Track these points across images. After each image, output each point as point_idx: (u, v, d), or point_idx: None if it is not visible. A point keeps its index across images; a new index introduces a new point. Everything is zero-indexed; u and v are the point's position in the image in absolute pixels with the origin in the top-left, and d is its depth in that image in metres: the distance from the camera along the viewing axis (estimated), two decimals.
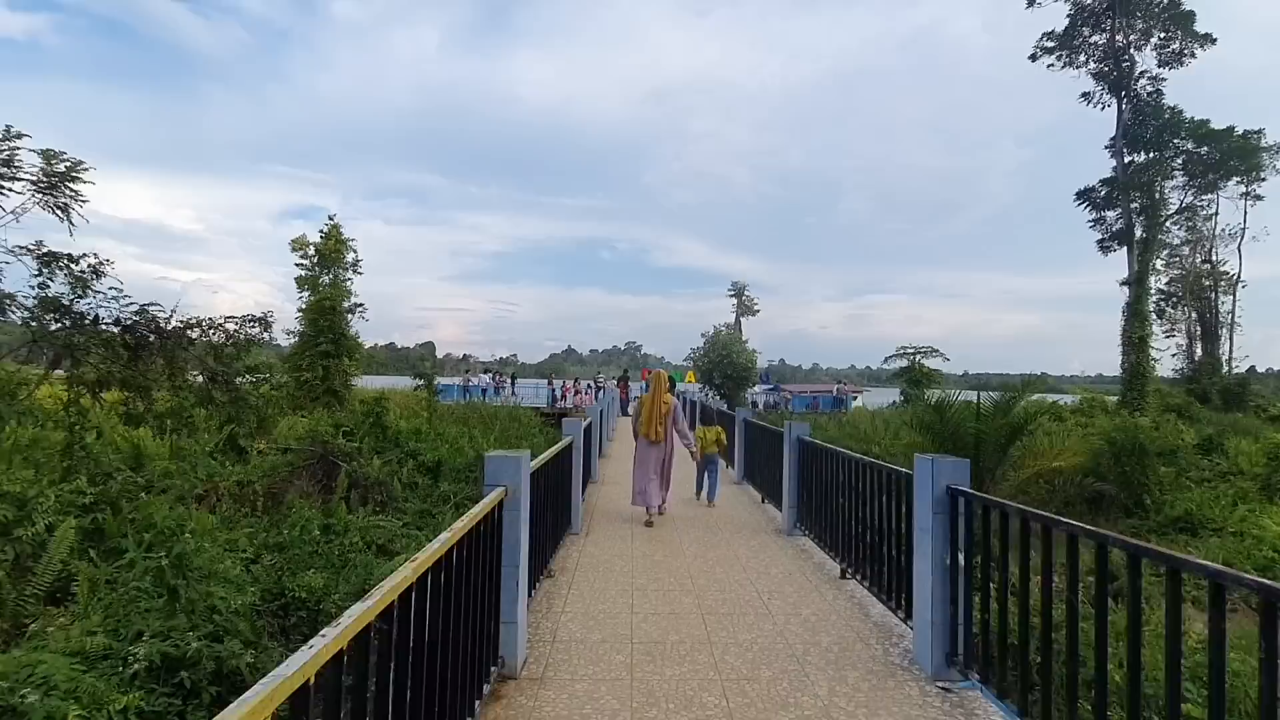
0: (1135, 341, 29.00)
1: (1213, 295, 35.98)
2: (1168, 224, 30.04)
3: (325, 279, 22.52)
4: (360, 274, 23.04)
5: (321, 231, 22.43)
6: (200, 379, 12.13)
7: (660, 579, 5.42)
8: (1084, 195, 32.10)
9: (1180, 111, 28.83)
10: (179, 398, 12.15)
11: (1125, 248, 32.18)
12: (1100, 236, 32.12)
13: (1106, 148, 31.04)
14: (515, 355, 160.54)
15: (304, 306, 22.00)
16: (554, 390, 31.91)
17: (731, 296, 46.72)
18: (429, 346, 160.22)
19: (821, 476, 6.31)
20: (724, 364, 27.90)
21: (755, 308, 47.00)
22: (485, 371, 34.34)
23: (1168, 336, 35.48)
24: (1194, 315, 36.15)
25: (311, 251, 22.00)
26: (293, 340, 22.31)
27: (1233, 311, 35.76)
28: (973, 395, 15.38)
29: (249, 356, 16.38)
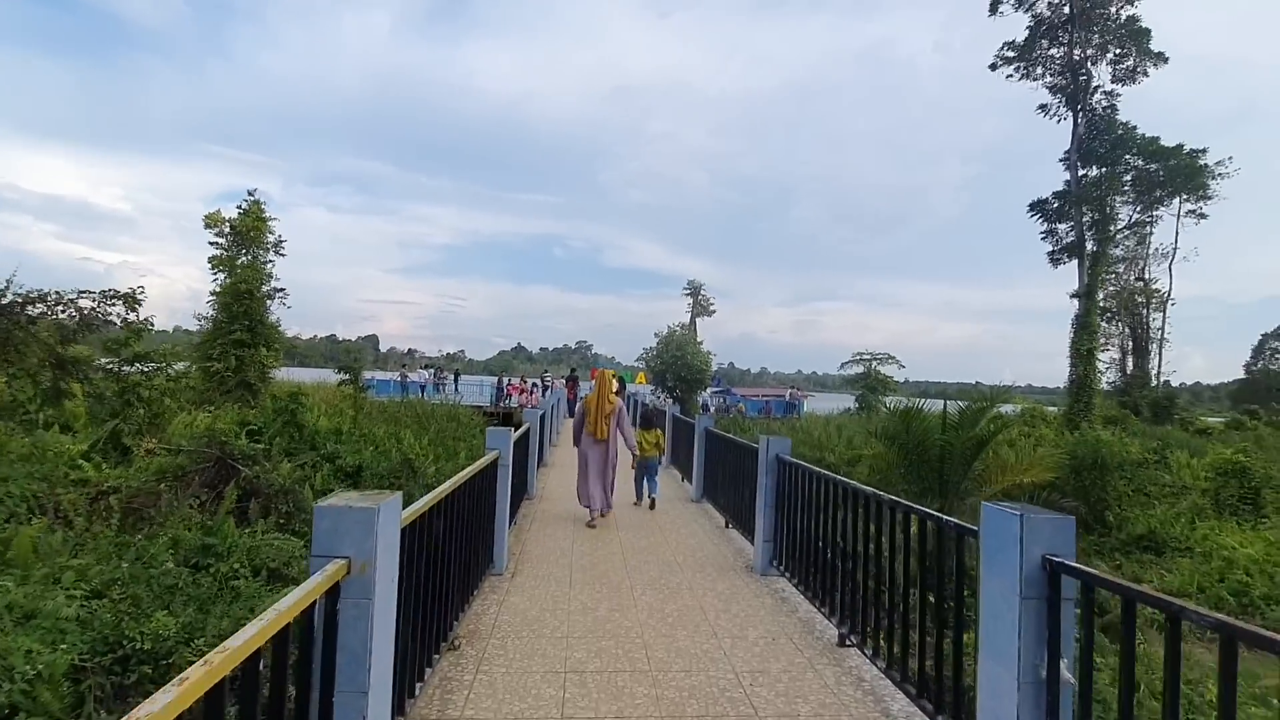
0: (1083, 354, 29.10)
1: (1145, 312, 37.10)
2: (1116, 238, 30.31)
3: (243, 260, 20.42)
4: (283, 255, 21.02)
5: (240, 208, 20.30)
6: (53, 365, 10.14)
7: (604, 650, 4.06)
8: (1037, 207, 32.21)
9: (1133, 128, 29.10)
10: (12, 389, 10.17)
11: (1074, 260, 32.53)
12: (1051, 249, 32.30)
13: (1060, 160, 31.18)
14: (463, 351, 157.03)
15: (217, 290, 19.87)
16: (501, 387, 30.17)
17: (687, 295, 45.29)
18: (372, 340, 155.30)
19: (808, 507, 5.00)
20: (677, 365, 26.74)
21: (711, 308, 45.71)
22: (426, 367, 32.33)
23: (1102, 350, 36.55)
24: (1127, 330, 37.18)
25: (227, 229, 19.85)
26: (204, 327, 20.15)
27: (1162, 328, 37.03)
28: (926, 403, 14.64)
29: (137, 343, 14.39)
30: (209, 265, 19.94)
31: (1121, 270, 35.75)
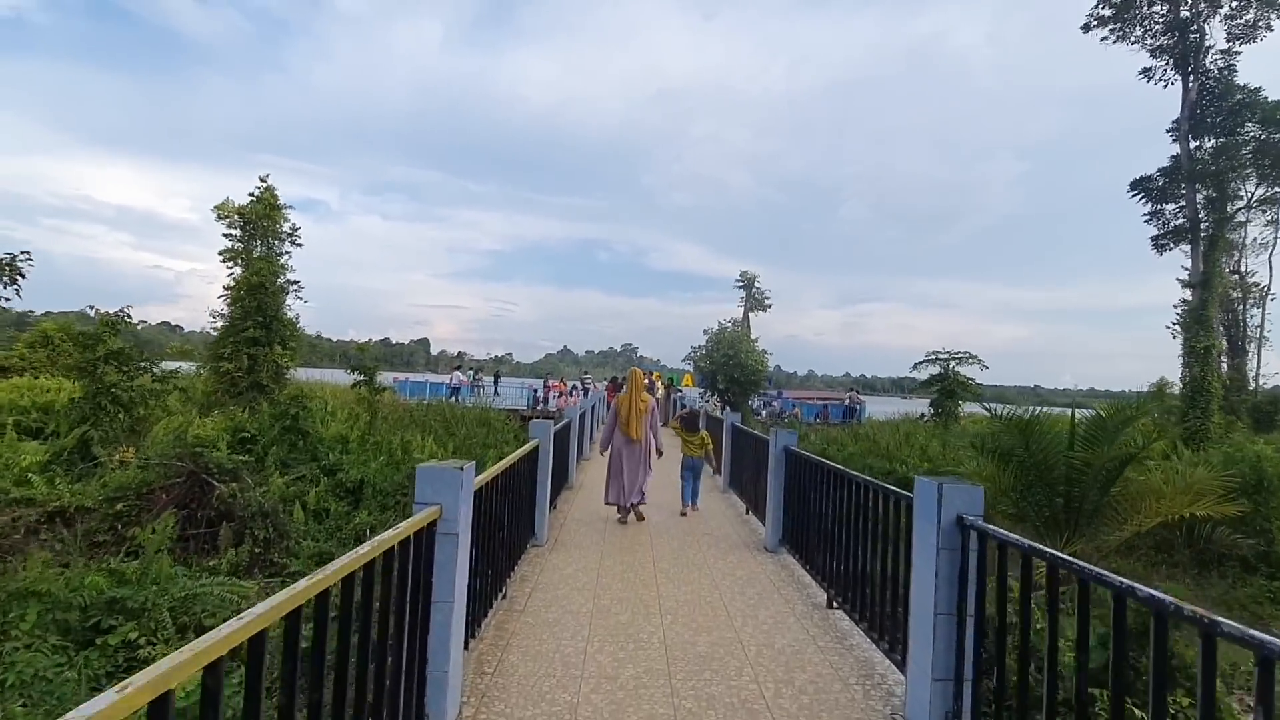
0: (1199, 352, 25.30)
1: (1241, 308, 33.32)
2: (1238, 219, 26.22)
3: (258, 251, 18.82)
4: (299, 245, 19.35)
5: (252, 194, 18.71)
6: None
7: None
8: (1139, 185, 28.39)
9: (1257, 89, 25.12)
10: None
11: (1177, 247, 28.61)
12: (1156, 232, 28.41)
13: (1169, 131, 27.33)
14: (510, 354, 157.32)
15: (229, 284, 18.30)
16: (535, 391, 28.08)
17: (740, 288, 41.66)
18: (424, 343, 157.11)
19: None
20: (729, 365, 24.08)
21: (766, 302, 41.96)
22: (457, 368, 30.47)
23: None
24: (1221, 328, 33.55)
25: (237, 218, 18.26)
26: (218, 325, 18.61)
27: (1261, 325, 33.24)
28: (1039, 411, 11.90)
29: (114, 339, 12.70)
30: (220, 258, 18.39)
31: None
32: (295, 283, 18.52)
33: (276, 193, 18.93)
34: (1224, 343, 26.48)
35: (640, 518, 7.48)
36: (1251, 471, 12.98)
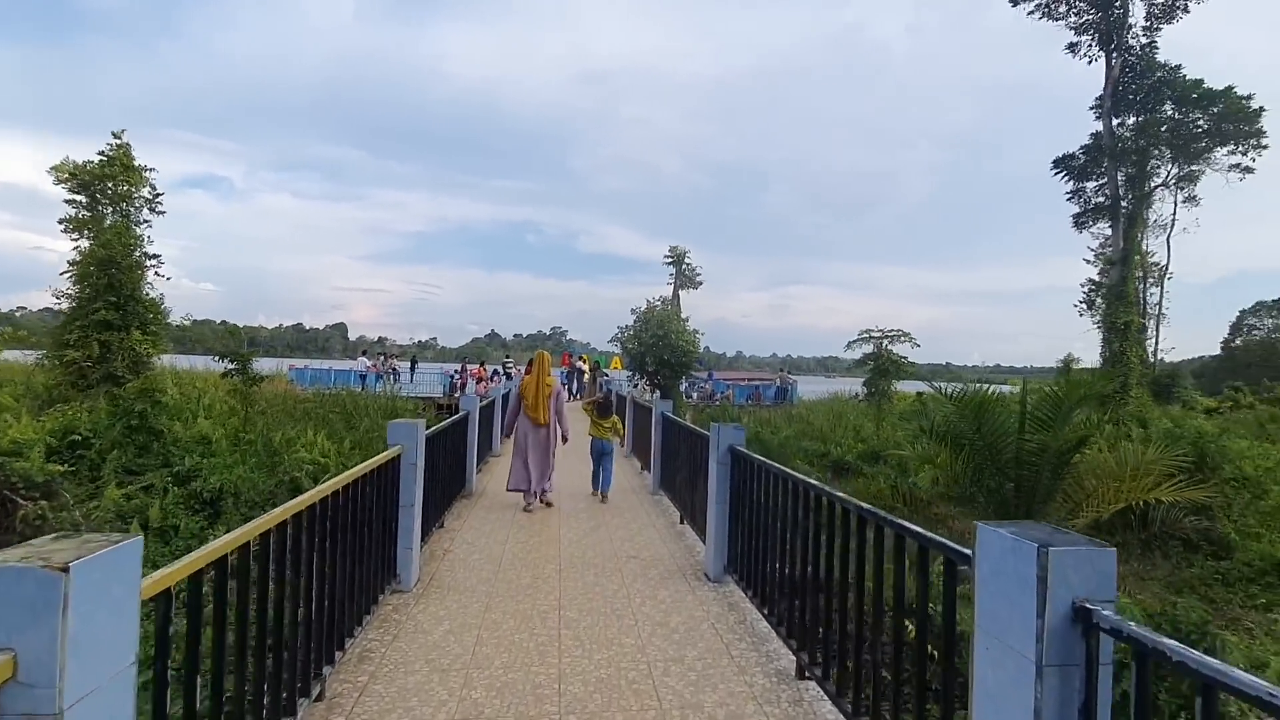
0: (1119, 328, 25.65)
1: (1142, 286, 34.55)
2: (1156, 198, 26.67)
3: (109, 220, 16.09)
4: (160, 214, 16.68)
5: (102, 153, 15.93)
6: None
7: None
8: (1062, 163, 28.57)
9: (1177, 67, 25.44)
10: None
11: (1096, 225, 29.11)
12: (1078, 210, 28.72)
13: (1092, 108, 27.52)
14: (435, 339, 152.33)
15: (74, 259, 15.55)
16: (452, 377, 25.95)
17: (669, 264, 39.80)
18: (340, 328, 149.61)
19: None
20: (659, 347, 22.72)
21: (698, 279, 39.99)
22: (363, 353, 27.92)
23: (1099, 327, 34.48)
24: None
25: (74, 181, 15.49)
26: (64, 307, 15.83)
27: (1160, 304, 34.33)
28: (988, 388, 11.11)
29: None
30: (60, 228, 15.59)
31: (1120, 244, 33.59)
32: (155, 256, 15.93)
33: (132, 152, 16.18)
34: (1141, 319, 27.05)
35: (548, 504, 7.26)
36: (1193, 448, 12.60)
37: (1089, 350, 39.00)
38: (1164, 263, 34.04)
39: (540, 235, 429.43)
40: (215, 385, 17.51)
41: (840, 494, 3.02)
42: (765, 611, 3.85)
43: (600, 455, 7.97)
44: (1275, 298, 51.75)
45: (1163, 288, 34.35)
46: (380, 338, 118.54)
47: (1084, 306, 35.92)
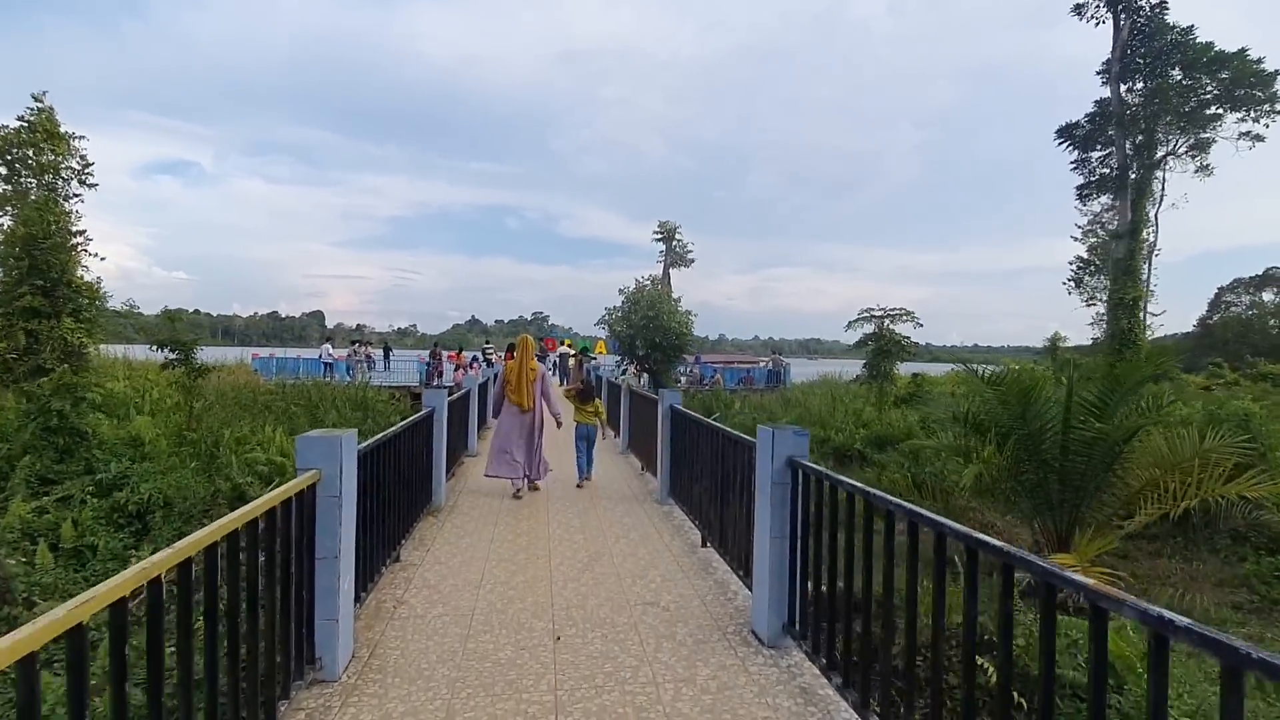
0: (1127, 304, 24.69)
1: (1148, 263, 33.92)
2: (1165, 168, 25.53)
3: (35, 195, 14.33)
4: (92, 187, 14.92)
5: (21, 118, 14.12)
6: None
7: None
8: (1065, 132, 27.38)
9: (1188, 29, 24.23)
10: None
11: (1103, 197, 28.01)
12: (1082, 180, 27.59)
13: (1099, 73, 26.30)
14: (415, 325, 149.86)
15: None
16: (428, 365, 24.33)
17: (659, 240, 37.83)
18: (318, 316, 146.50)
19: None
20: (649, 329, 21.28)
21: (689, 257, 37.55)
22: (328, 339, 26.13)
23: (1088, 305, 33.85)
24: (1110, 284, 33.93)
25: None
26: None
27: (1148, 279, 33.70)
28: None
29: None
30: None
31: (1108, 218, 32.84)
32: (81, 232, 14.19)
33: (56, 117, 14.39)
34: (1151, 292, 26.11)
35: (535, 489, 7.22)
36: (1241, 431, 11.54)
37: (1071, 329, 38.39)
38: (1151, 239, 33.44)
39: (521, 219, 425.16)
40: (167, 379, 15.92)
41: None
42: (855, 697, 2.53)
43: (582, 439, 8.02)
44: (1253, 274, 51.37)
45: (1150, 264, 33.84)
46: (358, 325, 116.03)
47: (1072, 285, 35.17)
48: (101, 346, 18.26)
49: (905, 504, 2.33)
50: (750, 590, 3.79)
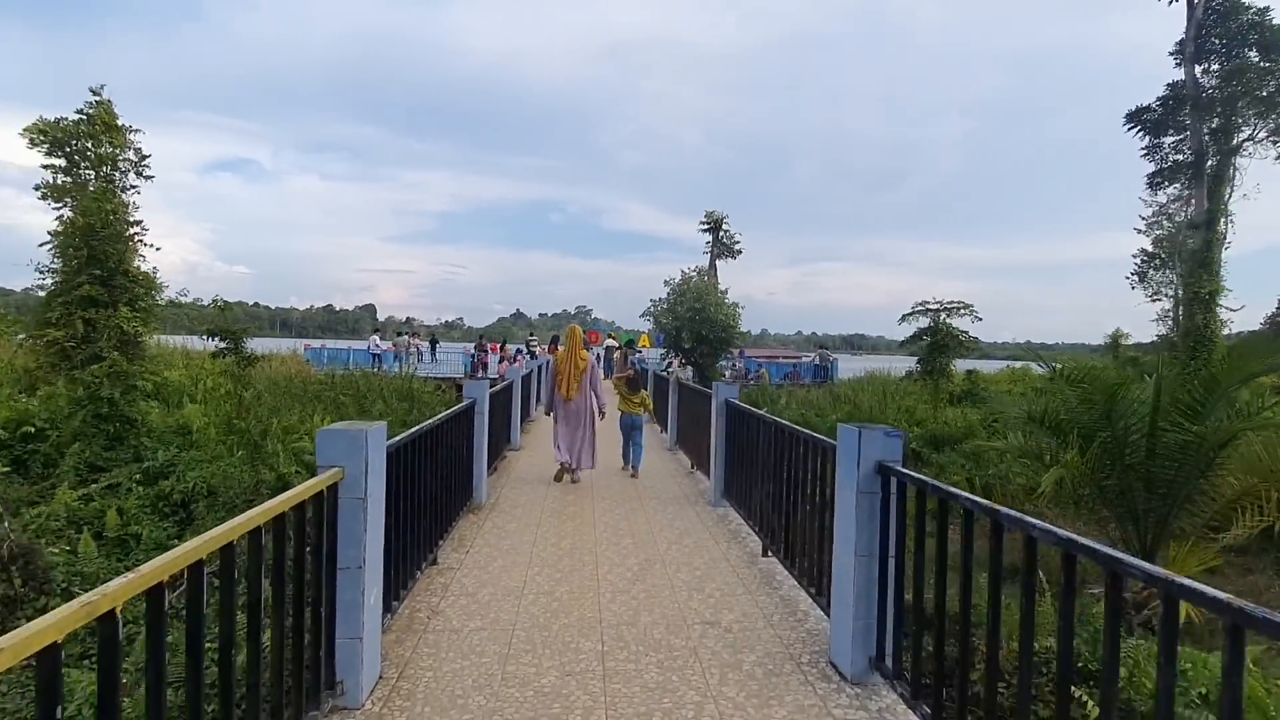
0: (1203, 298, 23.17)
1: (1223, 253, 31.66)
2: (1244, 153, 23.72)
3: (92, 185, 14.61)
4: (148, 178, 15.15)
5: (80, 111, 14.40)
6: None
7: None
8: (1135, 117, 25.80)
9: (1265, 10, 22.52)
10: None
11: (1173, 185, 26.31)
12: (1155, 167, 25.97)
13: (1171, 54, 24.70)
14: (462, 319, 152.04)
15: (55, 229, 14.11)
16: (473, 356, 24.28)
17: (705, 230, 36.40)
18: (370, 309, 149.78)
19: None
20: (696, 321, 20.74)
21: (736, 247, 35.43)
22: (376, 331, 26.32)
23: (1154, 301, 31.89)
24: (1178, 279, 31.81)
25: (48, 139, 13.99)
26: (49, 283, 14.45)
27: (1217, 274, 31.45)
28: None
29: None
30: (38, 194, 14.13)
31: (1175, 209, 30.86)
32: (138, 223, 14.41)
33: (114, 108, 14.63)
34: (1226, 286, 24.35)
35: (575, 480, 7.21)
36: None
37: (1130, 325, 36.60)
38: (1225, 230, 31.27)
39: (563, 213, 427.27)
40: (218, 368, 16.15)
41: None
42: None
43: (630, 430, 8.04)
44: None
45: (1222, 258, 31.67)
46: (408, 318, 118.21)
47: (1135, 279, 33.18)
48: (162, 336, 18.71)
49: (1066, 533, 1.82)
50: (825, 613, 3.37)
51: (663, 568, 4.45)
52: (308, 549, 2.38)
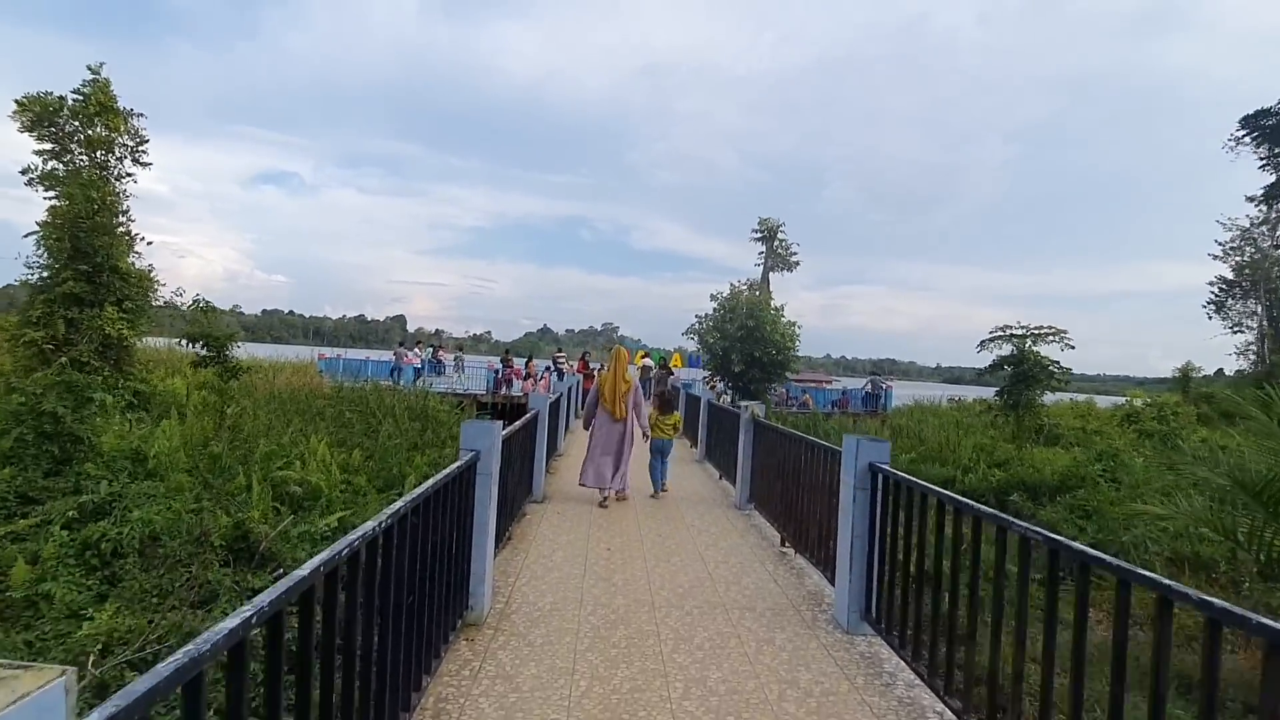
0: None
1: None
2: None
3: (86, 172, 13.13)
4: (146, 166, 13.66)
5: (76, 91, 12.98)
6: None
7: None
8: (1251, 122, 22.99)
9: None
10: None
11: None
12: (1274, 178, 23.08)
13: None
14: (490, 332, 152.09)
15: (43, 220, 12.66)
16: (497, 372, 22.35)
17: (758, 240, 32.43)
18: (400, 320, 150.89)
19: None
20: (748, 341, 18.45)
21: (793, 259, 32.42)
22: (400, 343, 24.65)
23: (1234, 333, 28.86)
24: (1263, 309, 28.99)
25: (33, 115, 12.54)
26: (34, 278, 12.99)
27: None
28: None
29: None
30: (24, 180, 12.70)
31: (1259, 236, 28.05)
32: (125, 212, 12.89)
33: (113, 90, 13.19)
34: (1267, 324, 21.42)
35: (621, 498, 7.27)
36: None
37: (1191, 358, 34.25)
38: None
39: (593, 230, 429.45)
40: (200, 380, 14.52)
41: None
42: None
43: (659, 452, 8.05)
44: None
45: None
46: (437, 330, 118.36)
47: (1211, 309, 30.27)
48: (161, 339, 17.25)
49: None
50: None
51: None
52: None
